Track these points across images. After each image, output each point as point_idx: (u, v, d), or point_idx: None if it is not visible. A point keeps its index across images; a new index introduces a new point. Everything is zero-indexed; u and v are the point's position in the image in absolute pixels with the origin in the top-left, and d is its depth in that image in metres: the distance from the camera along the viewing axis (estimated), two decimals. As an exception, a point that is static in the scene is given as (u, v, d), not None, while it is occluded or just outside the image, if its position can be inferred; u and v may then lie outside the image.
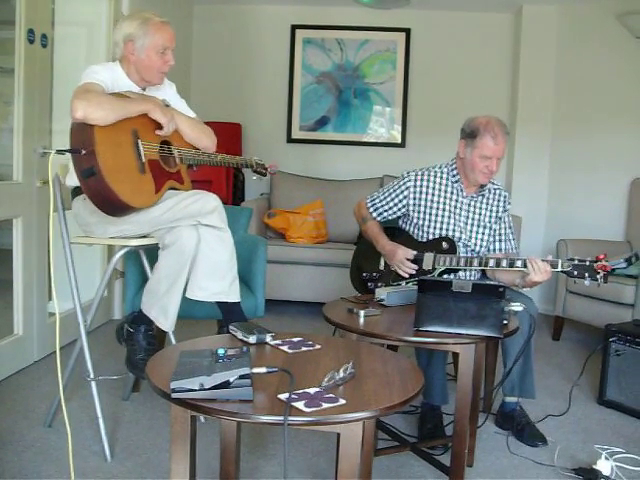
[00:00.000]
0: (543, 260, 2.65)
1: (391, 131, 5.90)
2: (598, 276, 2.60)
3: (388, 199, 3.05)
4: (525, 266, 2.68)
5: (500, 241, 3.03)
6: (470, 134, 2.85)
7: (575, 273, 2.63)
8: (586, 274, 2.62)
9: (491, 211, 3.01)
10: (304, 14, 5.84)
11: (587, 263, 2.62)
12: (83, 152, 2.32)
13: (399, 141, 5.88)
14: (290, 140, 5.97)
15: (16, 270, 3.44)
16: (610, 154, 5.14)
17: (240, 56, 5.93)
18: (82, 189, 2.42)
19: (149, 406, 3.09)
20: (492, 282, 2.64)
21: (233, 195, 5.50)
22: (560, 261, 2.66)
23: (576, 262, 2.64)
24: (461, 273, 2.95)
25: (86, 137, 2.34)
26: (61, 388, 2.44)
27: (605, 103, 5.16)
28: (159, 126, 2.59)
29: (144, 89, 2.70)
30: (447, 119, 5.68)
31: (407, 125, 5.87)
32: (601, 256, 2.61)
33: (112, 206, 2.42)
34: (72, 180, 2.60)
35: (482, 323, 2.22)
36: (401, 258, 2.90)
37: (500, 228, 3.03)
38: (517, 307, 2.45)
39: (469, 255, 2.92)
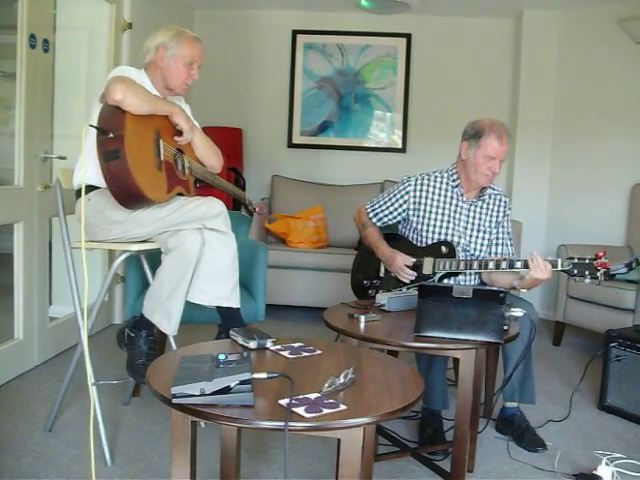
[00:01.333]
0: (546, 260, 2.65)
1: (392, 136, 5.91)
2: (598, 274, 2.60)
3: (388, 204, 3.06)
4: (525, 267, 2.68)
5: (497, 245, 3.03)
6: (474, 135, 2.86)
7: (575, 272, 2.64)
8: (586, 272, 2.62)
9: (491, 216, 3.02)
10: (305, 19, 5.85)
11: (587, 261, 2.62)
12: (111, 135, 2.37)
13: (400, 146, 5.89)
14: (291, 145, 5.98)
15: (17, 274, 3.44)
16: (611, 159, 5.14)
17: (241, 61, 5.93)
18: (102, 172, 2.43)
19: (149, 411, 3.09)
20: (493, 288, 2.64)
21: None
22: (560, 260, 2.66)
23: (576, 260, 2.64)
24: (461, 278, 2.96)
25: (118, 121, 2.39)
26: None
27: (606, 108, 5.17)
28: (177, 133, 2.66)
29: (165, 98, 2.75)
30: (448, 124, 5.67)
31: (408, 130, 5.87)
32: (600, 254, 2.62)
33: (128, 192, 2.43)
34: (77, 180, 2.62)
35: (482, 328, 2.22)
36: (400, 264, 2.90)
37: (498, 232, 3.03)
38: (518, 312, 2.45)
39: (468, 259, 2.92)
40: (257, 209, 3.19)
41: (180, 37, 2.70)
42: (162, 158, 2.55)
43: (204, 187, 2.92)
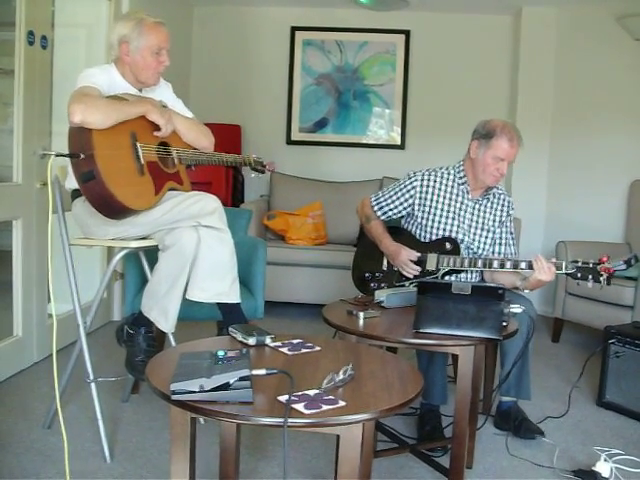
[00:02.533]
0: (548, 262, 2.66)
1: (390, 133, 5.90)
2: (601, 278, 2.61)
3: (394, 198, 3.05)
4: (529, 268, 2.69)
5: (500, 244, 3.04)
6: (486, 135, 2.85)
7: (579, 275, 2.65)
8: (589, 276, 2.63)
9: (495, 215, 3.02)
10: (304, 16, 5.84)
11: (590, 265, 2.63)
12: (82, 156, 2.33)
13: (398, 143, 5.88)
14: (290, 142, 5.97)
15: (16, 271, 3.44)
16: (609, 156, 5.14)
17: (240, 58, 5.93)
18: (82, 193, 2.43)
19: (149, 408, 3.09)
20: (491, 284, 2.64)
21: (233, 196, 5.49)
22: (564, 263, 2.67)
23: (580, 264, 2.65)
24: (463, 275, 2.96)
25: (84, 141, 2.34)
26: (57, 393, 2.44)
27: (604, 105, 5.16)
28: (157, 127, 2.59)
29: (140, 90, 2.71)
30: (446, 121, 5.70)
31: (406, 127, 5.87)
32: (604, 258, 2.62)
33: (112, 209, 2.43)
34: (71, 183, 2.60)
35: (481, 325, 2.22)
36: (405, 259, 2.90)
37: (501, 232, 3.04)
38: (516, 309, 2.45)
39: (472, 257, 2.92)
40: (267, 166, 3.08)
41: (141, 26, 2.58)
42: (142, 162, 2.51)
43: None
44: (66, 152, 2.39)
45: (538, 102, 5.45)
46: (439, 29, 5.77)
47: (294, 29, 5.88)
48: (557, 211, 5.45)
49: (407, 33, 5.79)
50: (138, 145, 2.51)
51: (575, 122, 5.32)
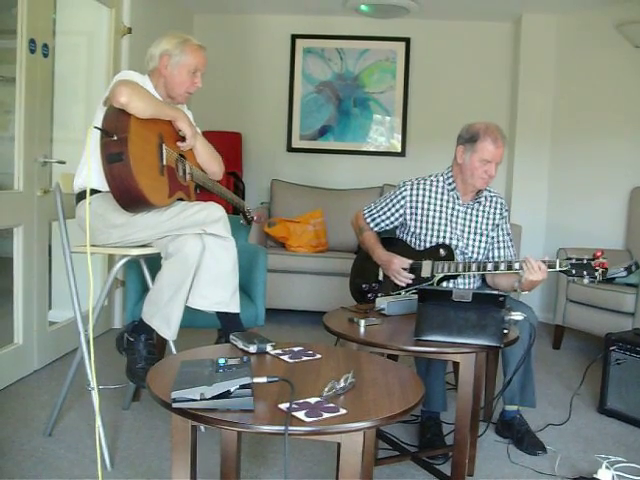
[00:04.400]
0: (543, 261, 2.65)
1: (391, 140, 5.91)
2: (596, 273, 2.61)
3: (385, 209, 3.06)
4: (522, 268, 2.69)
5: (499, 248, 3.04)
6: (470, 139, 2.86)
7: (573, 272, 2.65)
8: (584, 272, 2.63)
9: (488, 218, 3.02)
10: (304, 24, 5.86)
11: (584, 261, 2.63)
12: (115, 137, 2.37)
13: (399, 150, 5.89)
14: (290, 149, 5.98)
15: (16, 279, 3.44)
16: (610, 163, 5.15)
17: (240, 65, 5.95)
18: (104, 173, 2.43)
19: (149, 415, 3.09)
20: (492, 291, 2.64)
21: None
22: (558, 260, 2.67)
23: (574, 261, 2.65)
24: (460, 281, 2.96)
25: (122, 123, 2.40)
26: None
27: (604, 112, 5.17)
28: (180, 139, 2.69)
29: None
30: (447, 128, 5.64)
31: (407, 134, 5.88)
32: (598, 253, 2.63)
33: (130, 195, 2.44)
34: (79, 183, 2.63)
35: (482, 332, 2.22)
36: (397, 268, 2.91)
37: (498, 235, 3.04)
38: (517, 316, 2.45)
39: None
40: (255, 217, 3.22)
41: (185, 45, 2.71)
42: (164, 163, 2.56)
43: (204, 192, 2.93)
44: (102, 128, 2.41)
45: (538, 109, 5.46)
46: (439, 36, 5.79)
47: (294, 37, 5.90)
48: (557, 218, 5.45)
49: (407, 41, 5.80)
50: (164, 146, 2.57)
51: (575, 129, 5.33)
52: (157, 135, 2.56)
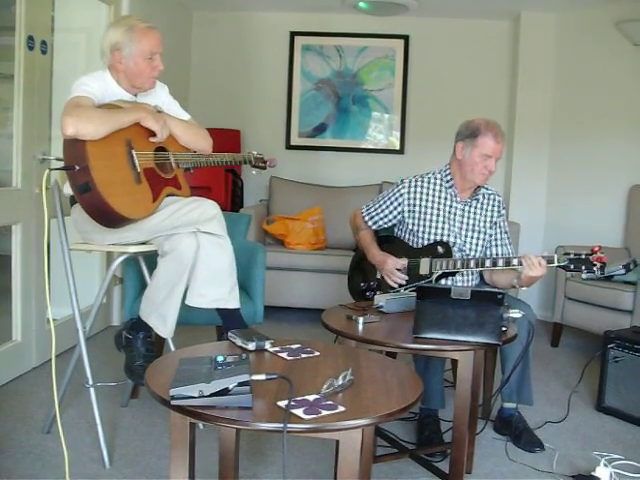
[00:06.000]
0: (542, 256, 2.66)
1: (390, 137, 5.91)
2: (595, 268, 2.61)
3: (383, 207, 3.06)
4: (520, 263, 2.69)
5: (496, 246, 3.04)
6: (470, 134, 2.87)
7: (572, 267, 2.64)
8: (583, 267, 2.63)
9: (485, 216, 3.02)
10: (303, 21, 5.85)
11: (583, 256, 2.63)
12: (77, 168, 2.33)
13: (398, 147, 5.89)
14: (289, 146, 5.98)
15: (15, 276, 3.44)
16: (608, 161, 5.14)
17: (239, 63, 5.93)
18: (79, 204, 2.42)
19: (148, 413, 3.08)
20: (491, 289, 2.64)
21: (232, 201, 5.50)
22: (556, 256, 2.67)
23: (572, 256, 2.65)
24: (458, 279, 2.96)
25: (79, 153, 2.33)
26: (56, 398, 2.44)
27: (603, 110, 5.17)
28: (153, 133, 2.58)
29: (135, 95, 2.69)
30: (446, 125, 5.63)
31: (406, 131, 5.88)
32: (596, 248, 2.62)
33: (110, 219, 2.43)
34: (69, 189, 2.61)
35: (481, 330, 2.22)
36: (390, 268, 2.91)
37: (496, 233, 3.04)
38: (516, 314, 2.45)
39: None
40: (268, 162, 3.02)
41: (132, 32, 2.54)
42: (139, 170, 2.49)
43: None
44: (61, 167, 2.39)
45: (537, 107, 5.46)
46: (438, 34, 5.78)
47: (293, 34, 5.88)
48: (556, 216, 5.45)
49: (406, 38, 5.80)
50: (134, 153, 2.50)
51: (574, 127, 5.33)
52: (124, 144, 2.48)
